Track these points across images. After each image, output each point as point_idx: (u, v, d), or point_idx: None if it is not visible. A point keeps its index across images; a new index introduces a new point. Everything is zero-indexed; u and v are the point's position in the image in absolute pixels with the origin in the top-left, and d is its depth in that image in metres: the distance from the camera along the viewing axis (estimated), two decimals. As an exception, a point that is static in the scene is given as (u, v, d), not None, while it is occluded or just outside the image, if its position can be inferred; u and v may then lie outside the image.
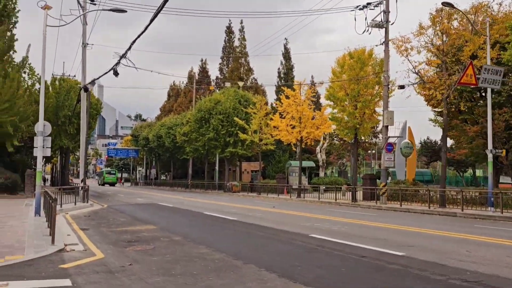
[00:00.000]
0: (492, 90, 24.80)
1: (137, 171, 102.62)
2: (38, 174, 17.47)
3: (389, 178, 40.25)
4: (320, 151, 51.09)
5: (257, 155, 53.28)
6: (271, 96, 71.39)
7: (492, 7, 23.50)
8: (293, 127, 35.07)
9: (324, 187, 38.66)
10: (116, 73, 17.95)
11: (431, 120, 34.53)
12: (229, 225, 15.65)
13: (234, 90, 47.53)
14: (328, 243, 11.19)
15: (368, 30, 26.69)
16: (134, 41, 14.56)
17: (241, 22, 61.55)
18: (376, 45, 26.67)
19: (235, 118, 42.89)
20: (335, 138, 58.01)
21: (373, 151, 64.19)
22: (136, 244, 11.23)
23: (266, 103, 43.08)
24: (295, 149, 39.56)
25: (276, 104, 37.06)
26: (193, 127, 49.03)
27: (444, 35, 22.52)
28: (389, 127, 26.71)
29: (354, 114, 27.80)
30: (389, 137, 26.38)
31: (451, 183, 54.05)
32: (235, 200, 33.38)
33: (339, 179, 47.98)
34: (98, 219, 18.27)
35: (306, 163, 46.42)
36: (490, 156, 20.57)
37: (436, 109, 32.70)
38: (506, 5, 27.45)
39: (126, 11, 18.59)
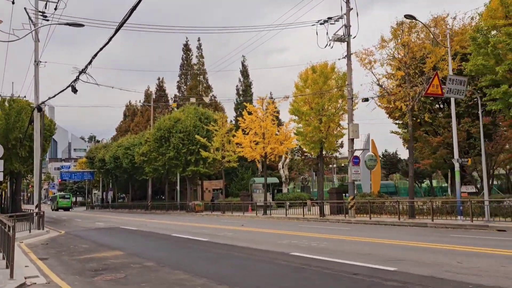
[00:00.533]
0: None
1: (93, 194, 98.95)
2: (-11, 200, 15.97)
3: (355, 191, 40.46)
4: (283, 167, 50.87)
5: (219, 173, 52.55)
6: (230, 113, 70.88)
7: (447, 21, 24.04)
8: (257, 143, 34.59)
9: (288, 203, 38.26)
10: (74, 90, 16.74)
11: (393, 132, 35.07)
12: (201, 246, 14.77)
13: (194, 108, 46.70)
14: (314, 261, 10.58)
15: (330, 44, 26.74)
16: (95, 55, 13.53)
17: (199, 40, 61.23)
18: (339, 59, 26.78)
19: (197, 136, 42.00)
20: (296, 154, 58.09)
21: (334, 166, 64.68)
22: (105, 273, 10.22)
23: (227, 120, 42.39)
24: (259, 165, 39.01)
25: (238, 120, 36.48)
26: (152, 146, 47.65)
27: (405, 48, 22.79)
28: (354, 140, 26.67)
29: (319, 128, 27.64)
30: (354, 150, 26.31)
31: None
32: (200, 220, 32.34)
33: (303, 195, 47.75)
34: (57, 246, 16.91)
35: (269, 179, 45.88)
36: (456, 165, 20.77)
37: (398, 121, 33.22)
38: (460, 19, 28.19)
39: (83, 25, 17.62)
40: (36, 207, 25.36)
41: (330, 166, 64.34)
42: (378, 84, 23.90)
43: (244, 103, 61.26)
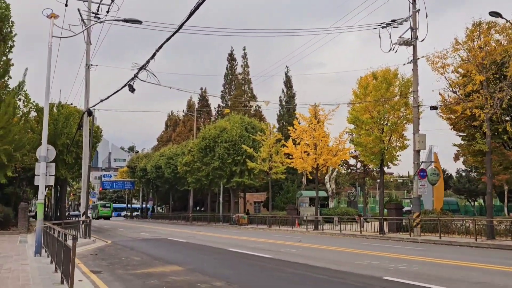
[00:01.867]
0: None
1: (132, 204, 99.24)
2: (40, 205, 14.93)
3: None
4: (329, 180, 48.71)
5: (260, 185, 50.93)
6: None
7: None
8: (308, 154, 32.84)
9: (337, 218, 36.22)
10: (132, 89, 15.61)
11: (456, 145, 32.58)
12: (268, 264, 13.13)
13: (240, 117, 45.43)
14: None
15: (394, 48, 24.92)
16: (160, 47, 12.22)
17: (244, 49, 60.26)
18: (404, 64, 24.83)
19: (243, 146, 40.60)
20: (342, 167, 55.85)
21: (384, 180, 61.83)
22: (173, 294, 8.72)
23: (280, 129, 40.80)
24: (311, 177, 37.07)
25: (289, 130, 34.84)
26: (196, 156, 46.59)
27: (483, 50, 20.66)
28: (420, 151, 24.54)
29: (381, 138, 25.66)
30: (421, 162, 24.16)
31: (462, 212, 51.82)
32: (248, 233, 30.73)
33: (350, 210, 45.51)
34: (108, 258, 15.64)
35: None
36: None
37: (462, 134, 30.79)
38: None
39: (141, 22, 16.52)
40: (83, 214, 24.43)
41: (372, 181, 61.47)
42: (453, 91, 21.81)
43: (295, 112, 60.09)
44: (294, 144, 34.36)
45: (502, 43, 21.42)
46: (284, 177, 40.59)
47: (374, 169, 54.92)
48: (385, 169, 57.00)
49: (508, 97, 20.01)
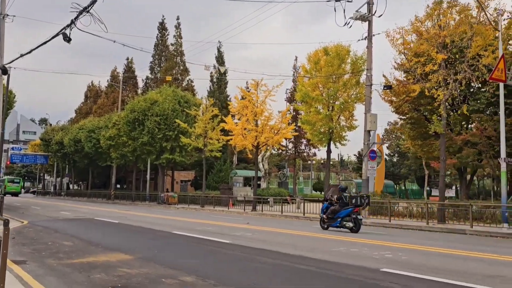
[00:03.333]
0: (469, 98, 22.94)
1: (44, 180, 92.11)
2: None
3: (353, 189, 37.79)
4: (263, 160, 47.58)
5: (190, 164, 48.60)
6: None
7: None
8: (248, 131, 31.14)
9: (272, 199, 35.14)
10: (67, 38, 12.58)
11: (395, 128, 32.58)
12: (232, 251, 11.26)
13: (172, 90, 42.50)
14: (422, 282, 7.42)
15: (349, 23, 23.70)
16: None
17: (178, 18, 56.51)
18: (358, 40, 23.70)
19: (177, 120, 37.95)
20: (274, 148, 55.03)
21: (313, 162, 62.05)
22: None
23: (222, 103, 38.52)
24: (251, 156, 35.47)
25: (228, 104, 32.85)
26: (122, 130, 43.12)
27: (445, 30, 20.01)
28: (370, 132, 23.75)
29: (331, 117, 24.54)
30: (373, 143, 23.40)
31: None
32: (183, 214, 28.57)
33: (283, 190, 44.92)
34: (30, 243, 12.89)
35: (251, 173, 42.55)
36: (503, 165, 18.18)
37: (403, 117, 30.74)
38: None
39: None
40: (-7, 190, 20.79)
41: (309, 162, 61.53)
42: (408, 70, 21.01)
43: (226, 90, 57.92)
44: (233, 120, 32.46)
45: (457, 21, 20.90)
46: (220, 155, 38.65)
47: (306, 150, 54.88)
48: (316, 151, 57.34)
49: (467, 79, 19.54)
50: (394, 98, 29.35)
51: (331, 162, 78.20)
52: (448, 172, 58.87)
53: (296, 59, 53.66)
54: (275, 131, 30.95)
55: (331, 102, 24.61)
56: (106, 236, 14.90)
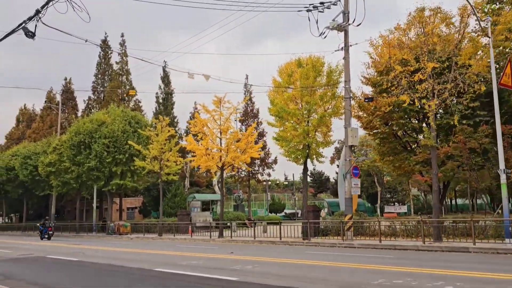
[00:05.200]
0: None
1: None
2: None
3: (325, 210, 36.22)
4: (218, 183, 45.10)
5: (137, 190, 45.14)
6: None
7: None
8: (215, 151, 28.86)
9: (235, 224, 32.78)
10: (30, 34, 9.80)
11: (365, 146, 31.61)
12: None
13: (121, 110, 39.27)
14: None
15: (324, 33, 22.45)
16: None
17: (122, 35, 53.26)
18: (335, 50, 22.41)
19: (130, 142, 34.76)
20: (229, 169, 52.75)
21: (269, 183, 60.24)
22: None
23: (171, 124, 35.82)
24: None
25: (189, 123, 30.44)
26: (66, 154, 39.14)
27: (429, 36, 19.14)
28: (352, 147, 22.33)
29: (307, 132, 22.90)
30: (356, 158, 21.98)
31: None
32: (145, 245, 25.54)
33: (241, 214, 42.65)
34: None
35: (210, 196, 40.03)
36: (503, 177, 17.23)
37: (371, 132, 29.75)
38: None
39: None
40: None
41: (264, 183, 59.59)
42: (395, 81, 19.87)
43: (173, 111, 55.14)
44: (195, 140, 30.03)
45: (444, 30, 20.21)
46: (177, 178, 35.84)
47: (259, 170, 53.08)
48: (268, 170, 55.62)
49: (458, 88, 18.65)
50: (361, 113, 28.35)
51: (286, 183, 77.23)
52: (401, 188, 59.58)
53: (247, 78, 52.27)
54: (241, 150, 28.91)
55: (308, 117, 23.00)
56: (75, 280, 11.98)
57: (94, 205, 42.31)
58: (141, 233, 35.28)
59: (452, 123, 19.91)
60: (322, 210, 36.32)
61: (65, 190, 43.82)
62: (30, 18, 9.62)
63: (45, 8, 9.18)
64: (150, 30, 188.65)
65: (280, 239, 24.25)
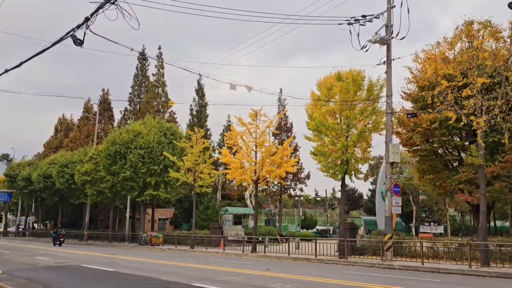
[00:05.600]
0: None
1: (6, 219, 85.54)
2: None
3: (362, 228, 35.35)
4: (251, 197, 44.72)
5: (169, 201, 45.18)
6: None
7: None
8: (249, 164, 28.54)
9: (267, 239, 32.14)
10: (78, 42, 9.81)
11: (404, 163, 30.69)
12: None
13: (157, 121, 39.58)
14: None
15: (366, 46, 21.94)
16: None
17: (159, 48, 54.27)
18: (377, 64, 21.78)
19: (165, 153, 34.86)
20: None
21: (301, 198, 59.46)
22: None
23: (204, 136, 35.78)
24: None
25: (224, 136, 30.26)
26: (102, 164, 39.60)
27: (478, 51, 18.36)
28: (393, 164, 21.57)
29: (346, 147, 22.29)
30: (398, 176, 21.19)
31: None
32: (179, 257, 25.30)
33: (272, 229, 41.97)
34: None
35: (242, 210, 39.65)
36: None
37: (410, 149, 28.80)
38: None
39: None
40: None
41: (296, 199, 58.84)
42: (441, 96, 19.11)
43: (206, 124, 55.38)
44: (230, 152, 29.81)
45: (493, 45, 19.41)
46: (210, 190, 35.66)
47: (292, 185, 52.46)
48: (301, 185, 54.88)
49: (510, 104, 17.78)
50: (400, 130, 27.53)
51: (318, 198, 76.17)
52: (436, 208, 57.65)
53: (281, 91, 51.99)
54: (276, 165, 28.45)
55: (347, 131, 22.41)
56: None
57: (128, 214, 42.55)
58: (173, 244, 35.10)
59: (502, 141, 18.87)
60: (361, 228, 35.40)
61: (99, 199, 44.30)
62: (79, 26, 9.59)
63: (94, 15, 9.14)
64: (185, 46, 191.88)
65: (315, 256, 23.55)
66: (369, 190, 63.04)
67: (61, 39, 10.37)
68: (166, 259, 23.36)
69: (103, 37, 10.46)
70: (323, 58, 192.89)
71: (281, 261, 23.75)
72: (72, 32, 9.85)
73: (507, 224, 58.36)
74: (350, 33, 22.05)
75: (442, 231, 52.83)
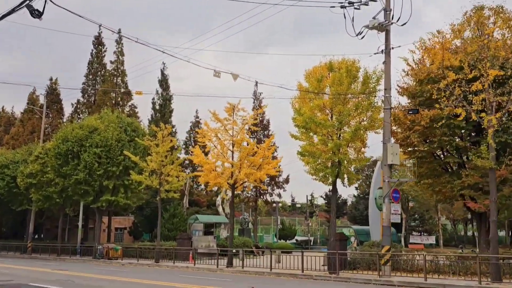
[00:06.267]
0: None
1: None
2: None
3: (354, 239, 35.13)
4: (223, 203, 44.09)
5: (128, 207, 44.07)
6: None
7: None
8: (226, 165, 27.91)
9: (242, 251, 31.45)
10: (36, 13, 8.87)
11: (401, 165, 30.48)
12: None
13: (116, 116, 38.39)
14: None
15: (362, 32, 21.64)
16: None
17: (119, 31, 52.44)
18: (375, 53, 21.49)
19: (126, 152, 33.80)
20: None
21: (279, 205, 59.09)
22: None
23: (171, 134, 34.89)
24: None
25: (195, 133, 29.53)
26: (50, 164, 38.15)
27: (491, 40, 18.29)
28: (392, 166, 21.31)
29: (339, 147, 21.92)
30: (398, 181, 20.95)
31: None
32: (144, 273, 24.41)
33: (247, 240, 41.41)
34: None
35: (215, 218, 38.90)
36: None
37: (406, 150, 28.71)
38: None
39: None
40: None
41: (274, 205, 58.36)
42: (447, 90, 18.94)
43: (171, 119, 54.40)
44: (203, 152, 29.09)
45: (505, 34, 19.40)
46: (178, 195, 34.77)
47: (268, 190, 52.08)
48: (279, 190, 54.49)
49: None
50: (395, 128, 27.37)
51: (298, 205, 75.93)
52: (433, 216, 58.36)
53: (256, 84, 51.52)
54: (256, 167, 27.89)
55: (340, 129, 22.04)
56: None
57: (80, 223, 41.21)
58: (134, 258, 34.07)
59: (509, 141, 18.87)
60: (351, 239, 35.27)
61: (46, 205, 42.71)
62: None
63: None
64: (147, 30, 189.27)
65: (302, 271, 23.10)
66: (354, 196, 63.24)
67: (13, 10, 9.45)
68: (129, 275, 22.45)
69: (67, 9, 9.59)
70: (298, 47, 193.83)
71: (263, 277, 23.22)
72: (28, 1, 8.97)
73: (503, 234, 59.53)
74: (344, 18, 21.70)
75: (434, 242, 53.44)
